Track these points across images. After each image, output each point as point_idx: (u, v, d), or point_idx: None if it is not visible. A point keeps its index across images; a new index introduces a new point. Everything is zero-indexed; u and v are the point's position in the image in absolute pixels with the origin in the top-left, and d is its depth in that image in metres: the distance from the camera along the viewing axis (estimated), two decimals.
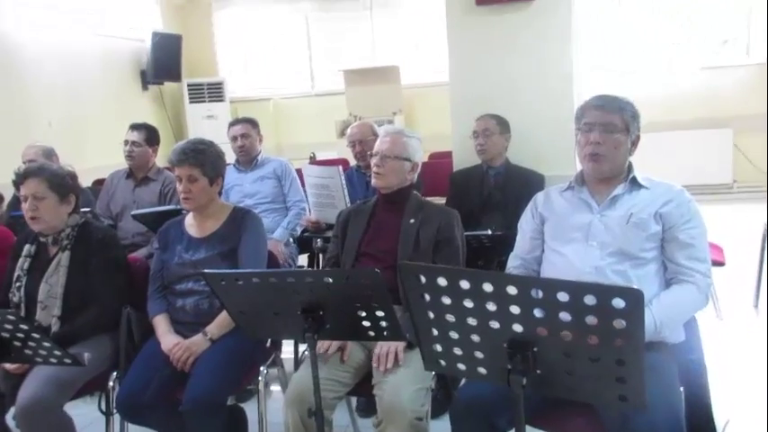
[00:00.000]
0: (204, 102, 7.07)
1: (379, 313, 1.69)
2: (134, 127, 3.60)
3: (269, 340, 2.42)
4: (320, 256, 3.33)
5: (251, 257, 2.33)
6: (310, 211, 3.36)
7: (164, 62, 6.65)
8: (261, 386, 2.24)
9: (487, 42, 3.23)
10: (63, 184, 2.36)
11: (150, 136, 3.61)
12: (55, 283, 2.30)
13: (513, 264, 2.11)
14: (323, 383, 1.92)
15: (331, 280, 1.66)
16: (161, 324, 2.30)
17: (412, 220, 2.26)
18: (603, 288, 1.24)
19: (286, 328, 1.82)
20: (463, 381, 1.90)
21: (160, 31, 6.72)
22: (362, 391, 2.12)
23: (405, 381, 1.93)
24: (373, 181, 2.34)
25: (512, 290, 1.26)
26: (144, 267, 2.58)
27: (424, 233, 2.23)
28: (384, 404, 1.91)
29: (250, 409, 2.41)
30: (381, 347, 2.01)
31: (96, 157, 5.27)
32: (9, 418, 2.25)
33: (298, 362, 2.75)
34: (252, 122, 3.68)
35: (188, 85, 7.02)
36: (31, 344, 1.79)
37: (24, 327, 1.73)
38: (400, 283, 1.44)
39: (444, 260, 2.20)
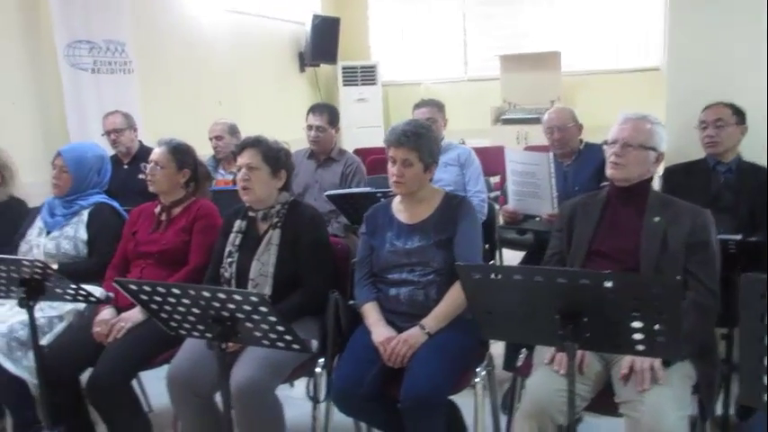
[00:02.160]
0: (357, 85, 7.06)
1: (659, 326, 1.45)
2: (315, 110, 3.52)
3: None
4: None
5: (467, 248, 2.17)
6: (506, 200, 3.14)
7: (321, 44, 6.69)
8: (479, 388, 2.07)
9: (714, 24, 2.85)
10: (277, 157, 2.33)
11: (332, 117, 3.54)
12: (266, 262, 2.26)
13: None
14: (559, 396, 1.73)
15: (610, 284, 1.43)
16: (371, 313, 2.19)
17: (657, 218, 1.99)
18: None
19: (538, 332, 1.63)
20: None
21: (320, 13, 6.74)
22: (602, 408, 1.88)
23: (667, 404, 1.68)
24: (609, 171, 2.08)
25: None
26: (344, 250, 2.50)
27: (674, 234, 1.94)
28: (643, 428, 1.67)
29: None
30: (636, 362, 1.76)
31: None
32: None
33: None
34: (438, 105, 3.52)
35: (342, 68, 7.02)
36: (263, 326, 1.71)
37: (265, 309, 1.64)
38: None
39: (699, 267, 1.91)
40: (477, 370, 2.12)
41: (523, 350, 2.15)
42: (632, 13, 6.54)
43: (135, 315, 2.34)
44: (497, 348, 2.49)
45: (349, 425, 2.33)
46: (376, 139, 6.89)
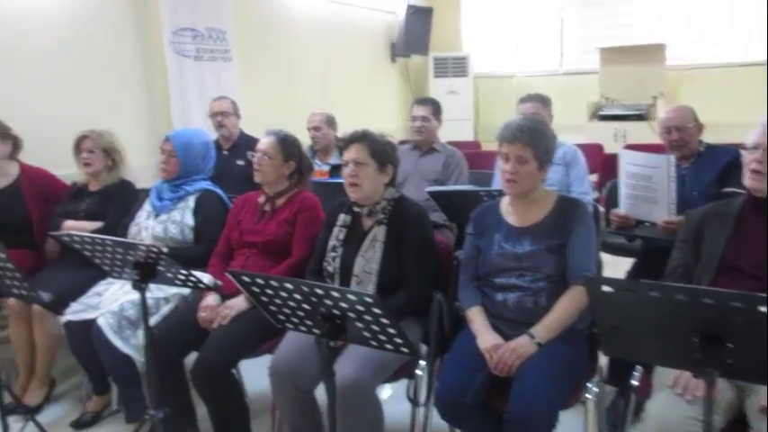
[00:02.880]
0: (447, 77, 6.96)
1: None
2: (420, 101, 3.59)
3: None
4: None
5: (583, 256, 2.05)
6: (608, 202, 2.98)
7: (413, 35, 6.63)
8: (590, 405, 1.96)
9: None
10: (384, 152, 2.27)
11: (435, 109, 3.57)
12: (371, 258, 2.22)
13: None
14: (690, 424, 1.60)
15: (765, 308, 1.29)
16: (477, 318, 2.11)
17: None
18: None
19: (670, 354, 1.49)
20: None
21: (414, 4, 6.67)
22: None
23: None
24: (749, 182, 1.90)
25: None
26: (446, 250, 2.42)
27: None
28: None
29: None
30: None
31: (346, 128, 5.36)
32: None
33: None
34: (543, 100, 3.38)
35: (434, 59, 6.94)
36: (374, 327, 1.66)
37: (378, 311, 1.59)
38: None
39: None
40: (589, 385, 2.00)
41: (638, 367, 2.02)
42: (741, 3, 6.12)
43: (240, 303, 2.37)
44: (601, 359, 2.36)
45: (445, 429, 2.27)
46: (465, 133, 6.80)
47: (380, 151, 2.26)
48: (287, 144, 2.57)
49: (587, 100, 6.42)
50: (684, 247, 2.00)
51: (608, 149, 5.18)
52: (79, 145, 3.03)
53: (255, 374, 2.48)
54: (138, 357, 2.47)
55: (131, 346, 2.47)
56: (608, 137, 5.90)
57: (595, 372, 2.08)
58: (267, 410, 2.47)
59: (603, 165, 4.45)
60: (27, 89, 3.56)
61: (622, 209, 2.77)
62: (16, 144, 3.13)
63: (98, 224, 2.92)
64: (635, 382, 1.98)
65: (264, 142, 2.57)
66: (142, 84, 4.24)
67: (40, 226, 3.09)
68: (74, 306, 2.58)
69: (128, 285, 2.46)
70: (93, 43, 3.91)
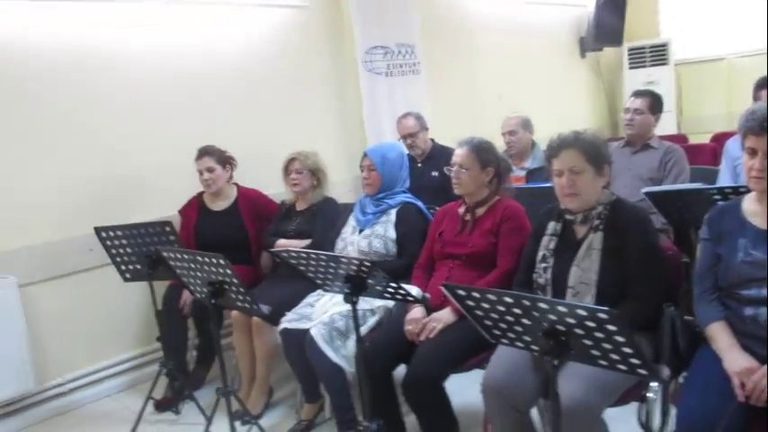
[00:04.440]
0: (645, 67, 6.40)
1: None
2: (637, 94, 3.44)
3: None
4: None
5: None
6: None
7: (605, 26, 6.19)
8: None
9: None
10: (600, 154, 2.08)
11: (654, 102, 3.35)
12: (588, 268, 2.03)
13: None
14: None
15: None
16: (722, 335, 1.83)
17: None
18: None
19: None
20: None
21: None
22: None
23: None
24: None
25: None
26: (675, 257, 2.16)
27: None
28: None
29: None
30: None
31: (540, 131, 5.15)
32: None
33: None
34: None
35: (628, 50, 6.43)
36: (606, 345, 1.50)
37: (613, 328, 1.43)
38: None
39: None
40: None
41: None
42: None
43: (447, 316, 2.32)
44: None
45: None
46: (668, 127, 6.18)
47: (597, 153, 2.07)
48: (482, 151, 2.49)
49: None
50: None
51: None
52: (288, 166, 3.22)
53: (460, 386, 2.41)
54: (348, 368, 2.53)
55: (341, 356, 2.53)
56: None
57: None
58: (474, 425, 2.39)
59: None
60: (238, 118, 3.89)
61: None
62: (232, 166, 3.41)
63: (307, 242, 3.07)
64: None
65: (459, 154, 2.50)
66: (337, 103, 4.43)
67: (256, 243, 3.35)
68: (289, 315, 2.72)
69: (336, 297, 2.55)
70: (293, 71, 4.17)
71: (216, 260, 2.24)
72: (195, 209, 3.41)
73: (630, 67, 6.46)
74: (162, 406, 3.12)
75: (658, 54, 6.40)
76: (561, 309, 1.49)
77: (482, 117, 4.35)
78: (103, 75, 3.38)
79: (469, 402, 2.23)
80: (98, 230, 2.84)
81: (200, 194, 3.43)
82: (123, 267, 2.88)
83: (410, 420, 2.43)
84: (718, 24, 6.49)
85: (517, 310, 1.58)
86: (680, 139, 5.05)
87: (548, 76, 5.95)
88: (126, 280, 2.92)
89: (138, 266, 2.84)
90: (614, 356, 1.51)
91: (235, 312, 2.97)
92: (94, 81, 3.35)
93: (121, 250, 2.84)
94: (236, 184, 3.46)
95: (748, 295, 1.80)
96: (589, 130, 2.21)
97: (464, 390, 2.31)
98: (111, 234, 2.82)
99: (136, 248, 2.81)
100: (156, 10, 3.57)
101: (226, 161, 3.36)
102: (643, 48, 6.43)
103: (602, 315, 1.42)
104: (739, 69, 6.39)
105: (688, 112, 6.69)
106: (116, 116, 3.43)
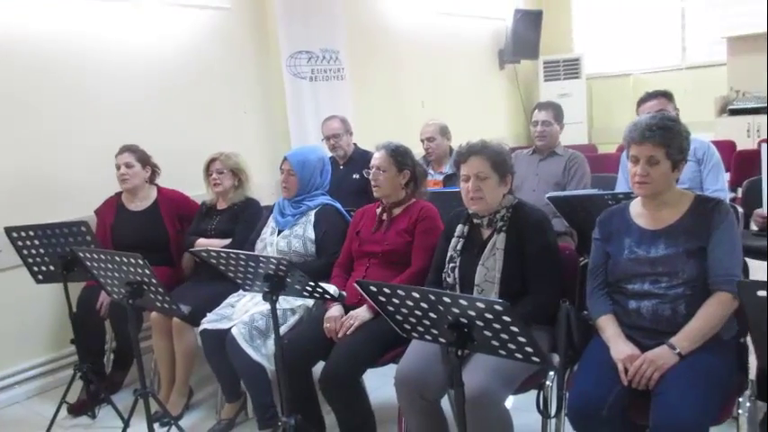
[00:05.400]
0: (559, 79, 6.74)
1: None
2: (541, 106, 3.63)
3: None
4: None
5: (726, 259, 1.90)
6: (747, 201, 2.78)
7: (522, 40, 6.47)
8: (743, 420, 1.80)
9: None
10: (503, 162, 2.23)
11: (557, 113, 3.57)
12: (492, 267, 2.18)
13: None
14: None
15: None
16: (609, 326, 2.01)
17: None
18: None
19: None
20: None
21: (522, 8, 6.55)
22: None
23: None
24: None
25: None
26: (572, 257, 2.34)
27: None
28: None
29: None
30: None
31: (458, 139, 5.33)
32: None
33: None
34: (666, 95, 3.26)
35: (544, 63, 6.76)
36: (503, 336, 1.63)
37: (508, 318, 1.56)
38: None
39: None
40: (740, 400, 1.84)
41: None
42: None
43: (363, 313, 2.41)
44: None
45: None
46: (580, 137, 6.55)
47: (501, 162, 2.22)
48: (398, 154, 2.60)
49: (714, 94, 5.95)
50: None
51: (741, 146, 4.86)
52: (209, 167, 3.23)
53: (378, 383, 2.50)
54: (269, 366, 2.58)
55: (262, 355, 2.58)
56: (741, 133, 5.51)
57: (746, 385, 1.91)
58: (391, 419, 2.48)
59: (737, 162, 4.21)
60: (163, 120, 3.86)
61: (766, 209, 2.57)
62: (155, 170, 3.40)
63: (227, 241, 3.10)
64: None
65: (377, 157, 2.61)
66: (263, 106, 4.46)
67: (176, 244, 3.34)
68: (209, 316, 2.74)
69: (257, 297, 2.60)
70: (217, 73, 4.18)
71: (134, 260, 2.25)
72: (112, 209, 3.36)
73: (546, 80, 6.77)
74: (76, 410, 3.06)
75: (571, 68, 6.76)
76: (463, 302, 1.60)
77: (405, 124, 4.46)
78: (22, 72, 3.29)
79: (387, 398, 2.32)
80: (8, 230, 2.77)
81: (119, 194, 3.39)
82: (36, 269, 2.82)
83: (330, 417, 2.50)
84: (625, 43, 6.96)
85: (424, 305, 1.69)
86: (590, 148, 5.37)
87: (469, 85, 6.16)
88: (38, 282, 2.85)
89: (52, 267, 2.79)
90: (511, 346, 1.64)
91: (154, 314, 2.96)
92: (11, 78, 3.26)
93: (34, 251, 2.78)
94: (156, 185, 3.44)
95: (632, 289, 1.99)
96: (495, 140, 2.36)
97: (383, 386, 2.40)
98: (23, 234, 2.76)
99: (50, 249, 2.76)
100: (78, 7, 3.51)
101: (146, 162, 3.34)
102: (557, 61, 6.77)
103: (498, 307, 1.54)
104: (644, 85, 6.84)
105: (598, 123, 7.10)
106: (31, 114, 3.34)
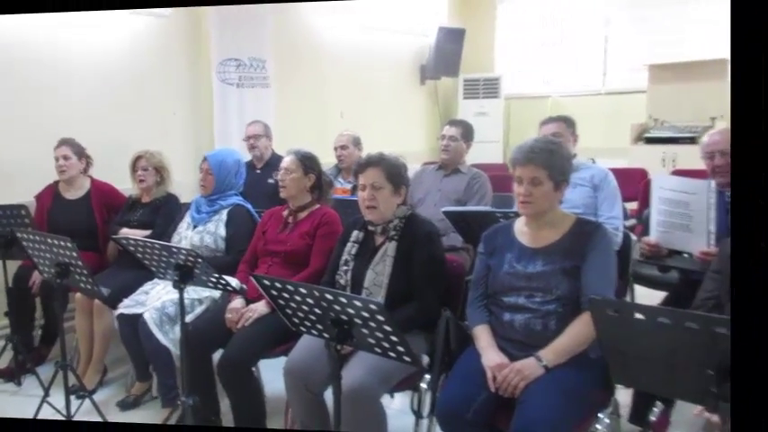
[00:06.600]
0: (478, 98, 6.90)
1: None
2: (453, 122, 3.86)
3: None
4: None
5: (597, 280, 2.02)
6: (645, 230, 2.76)
7: (444, 57, 6.58)
8: None
9: None
10: (399, 174, 2.40)
11: (466, 131, 3.75)
12: (381, 272, 2.35)
13: None
14: None
15: None
16: (483, 336, 2.14)
17: None
18: None
19: (682, 386, 1.45)
20: None
21: (446, 25, 6.67)
22: None
23: None
24: None
25: None
26: (459, 267, 2.49)
27: None
28: None
29: None
30: None
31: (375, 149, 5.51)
32: None
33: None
34: (567, 120, 3.32)
35: (464, 81, 6.91)
36: (378, 334, 1.75)
37: (381, 318, 1.70)
38: None
39: None
40: (600, 416, 1.95)
41: (658, 403, 2.04)
42: None
43: (261, 307, 2.60)
44: (625, 397, 2.35)
45: None
46: (494, 155, 6.68)
47: (396, 174, 2.38)
48: (306, 159, 2.83)
49: (632, 121, 5.98)
50: (718, 278, 1.95)
51: (654, 175, 4.57)
52: (135, 164, 3.49)
53: (272, 376, 2.65)
54: (175, 350, 2.79)
55: (170, 339, 2.79)
56: (655, 162, 5.36)
57: (609, 403, 2.03)
58: (282, 411, 2.61)
59: (645, 191, 3.93)
60: (97, 116, 4.12)
61: (653, 237, 2.61)
62: (89, 162, 3.68)
63: (147, 232, 3.32)
64: (653, 418, 1.98)
65: (286, 160, 2.86)
66: (191, 110, 4.71)
67: (103, 233, 3.59)
68: (125, 301, 2.96)
69: (169, 286, 2.79)
70: (152, 75, 4.44)
71: (64, 243, 2.49)
72: (50, 196, 3.62)
73: (465, 98, 6.90)
74: (4, 375, 3.31)
75: (491, 87, 6.88)
76: (342, 300, 1.74)
77: (324, 133, 4.66)
78: None
79: (281, 390, 2.42)
80: None
81: (57, 183, 3.64)
82: None
83: (225, 402, 2.66)
84: (546, 65, 6.99)
85: (310, 301, 1.82)
86: (502, 167, 5.23)
87: (389, 99, 6.30)
88: None
89: None
90: (385, 344, 1.76)
91: (78, 295, 3.18)
92: None
93: None
94: (90, 176, 3.67)
95: (508, 302, 2.11)
96: (393, 153, 2.49)
97: (276, 379, 2.48)
98: None
99: None
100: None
101: (82, 154, 3.60)
102: (477, 80, 6.90)
103: (372, 306, 1.70)
104: (561, 108, 6.84)
105: (514, 143, 7.09)
106: None
